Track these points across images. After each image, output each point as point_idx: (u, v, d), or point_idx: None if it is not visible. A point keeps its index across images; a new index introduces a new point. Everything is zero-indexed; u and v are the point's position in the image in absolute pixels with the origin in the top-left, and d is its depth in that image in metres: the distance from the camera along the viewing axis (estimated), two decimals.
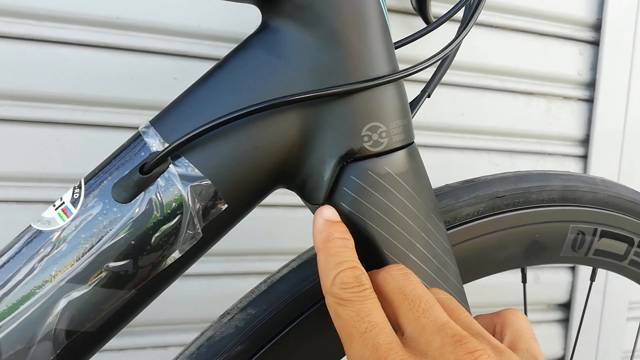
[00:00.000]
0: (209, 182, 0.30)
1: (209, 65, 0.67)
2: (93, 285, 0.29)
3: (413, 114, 0.42)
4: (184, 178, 0.30)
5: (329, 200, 0.32)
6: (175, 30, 0.65)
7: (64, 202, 0.30)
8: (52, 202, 0.62)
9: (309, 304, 0.34)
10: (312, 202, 0.33)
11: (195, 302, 0.72)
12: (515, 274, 0.88)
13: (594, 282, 0.53)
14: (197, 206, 0.30)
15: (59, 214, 0.30)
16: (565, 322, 0.95)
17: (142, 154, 0.30)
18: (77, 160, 0.63)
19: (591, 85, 0.90)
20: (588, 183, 0.45)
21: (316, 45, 0.31)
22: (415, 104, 0.43)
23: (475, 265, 0.41)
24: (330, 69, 0.31)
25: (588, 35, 0.88)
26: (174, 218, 0.30)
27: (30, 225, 0.30)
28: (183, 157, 0.30)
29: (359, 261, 0.29)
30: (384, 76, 0.31)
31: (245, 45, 0.32)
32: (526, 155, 0.88)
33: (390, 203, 0.32)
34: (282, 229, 0.74)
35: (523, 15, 0.83)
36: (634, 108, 0.90)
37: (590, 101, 0.90)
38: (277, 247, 0.75)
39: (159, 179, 0.30)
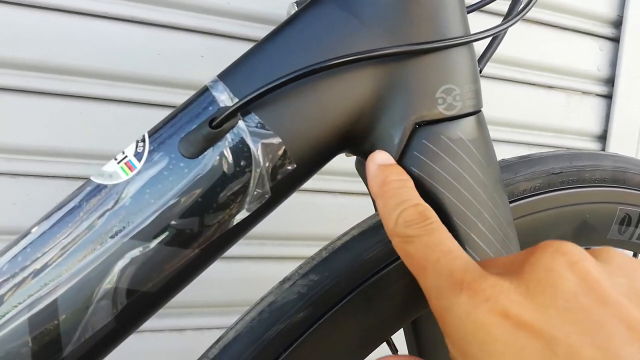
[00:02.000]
0: (280, 140, 0.29)
1: (236, 44, 0.66)
2: (157, 242, 0.28)
3: None
4: (254, 134, 0.29)
5: (399, 163, 0.31)
6: (204, 7, 0.64)
7: (126, 156, 0.29)
8: (73, 178, 0.61)
9: (370, 272, 0.32)
10: None
11: (214, 285, 0.71)
12: None
13: None
14: (267, 164, 0.29)
15: (121, 167, 0.29)
16: None
17: (210, 108, 0.29)
18: (100, 136, 0.62)
19: (610, 81, 0.90)
20: (637, 165, 0.44)
21: (391, 2, 0.30)
22: None
23: (530, 242, 0.40)
24: (405, 27, 0.30)
25: (608, 31, 0.88)
26: (243, 175, 0.29)
27: (90, 179, 0.29)
28: (253, 113, 0.29)
29: (421, 198, 0.28)
30: (461, 37, 0.30)
31: (317, 1, 0.31)
32: (544, 148, 0.88)
33: (461, 169, 0.31)
34: (305, 214, 0.73)
35: (545, 8, 0.83)
36: None
37: (609, 97, 0.90)
38: (298, 232, 0.73)
39: (227, 135, 0.28)
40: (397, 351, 0.43)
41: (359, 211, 0.74)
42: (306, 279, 0.32)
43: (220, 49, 0.66)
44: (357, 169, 0.38)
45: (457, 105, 0.30)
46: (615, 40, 0.89)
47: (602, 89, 0.90)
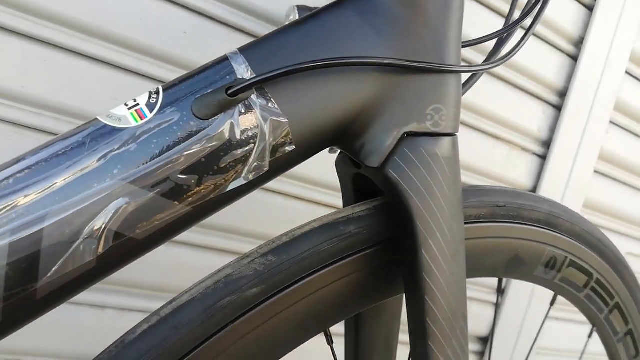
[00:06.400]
0: (286, 120, 0.31)
1: (219, 29, 0.67)
2: (154, 192, 0.29)
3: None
4: (265, 110, 0.30)
5: (382, 165, 0.34)
6: None
7: (138, 104, 0.30)
8: (24, 126, 0.59)
9: (323, 264, 0.35)
10: (367, 163, 0.34)
11: (144, 266, 0.69)
12: None
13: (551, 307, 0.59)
14: (271, 140, 0.31)
15: (132, 114, 0.29)
16: (481, 354, 1.01)
17: (228, 77, 0.31)
18: (60, 88, 0.60)
19: (547, 144, 0.99)
20: (569, 214, 0.50)
21: (406, 22, 0.33)
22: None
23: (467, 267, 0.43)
24: (413, 47, 0.33)
25: (553, 98, 0.98)
26: (247, 146, 0.30)
27: (97, 119, 0.29)
28: (267, 91, 0.31)
29: None
30: (457, 65, 0.34)
31: (340, 5, 0.34)
32: None
33: (432, 181, 0.34)
34: (253, 210, 0.74)
35: (505, 65, 0.91)
36: (578, 168, 1.00)
37: (543, 158, 1.00)
38: (242, 228, 0.74)
39: (239, 105, 0.30)
40: (332, 342, 0.45)
41: (307, 216, 0.77)
42: (264, 259, 0.33)
43: (203, 29, 0.66)
44: (337, 165, 0.40)
45: (442, 124, 0.34)
46: (558, 108, 0.99)
47: (539, 149, 0.99)
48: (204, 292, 0.32)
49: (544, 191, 0.98)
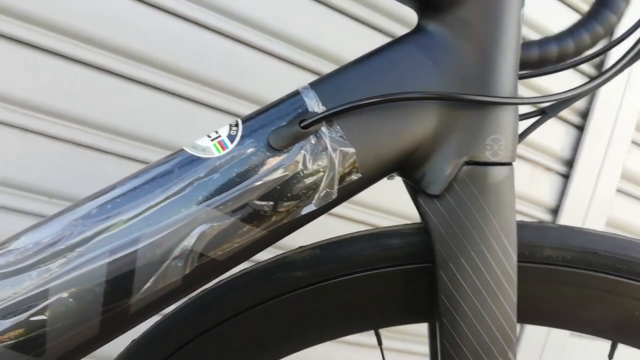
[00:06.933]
0: (354, 150, 0.33)
1: (260, 57, 0.71)
2: (235, 217, 0.31)
3: (529, 132, 0.47)
4: (334, 141, 0.33)
5: (443, 194, 0.36)
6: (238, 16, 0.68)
7: (220, 136, 0.32)
8: (80, 145, 0.62)
9: (364, 267, 0.39)
10: (428, 191, 0.36)
11: None
12: None
13: None
14: (339, 169, 0.33)
15: (214, 145, 0.32)
16: None
17: (300, 110, 0.33)
18: (118, 113, 0.63)
19: (569, 163, 1.01)
20: None
21: (465, 56, 0.35)
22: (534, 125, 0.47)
23: (547, 310, 0.41)
24: (472, 80, 0.35)
25: (575, 119, 1.00)
26: (317, 174, 0.33)
27: (183, 149, 0.32)
28: (336, 123, 0.33)
29: None
30: (515, 97, 0.36)
31: (401, 41, 0.36)
32: None
33: (457, 206, 0.36)
34: None
35: (527, 87, 0.94)
36: (601, 187, 1.02)
37: (566, 177, 1.01)
38: None
39: (311, 136, 0.33)
40: (381, 343, 0.47)
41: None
42: (313, 251, 0.39)
43: (244, 57, 0.69)
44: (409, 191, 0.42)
45: (500, 153, 0.36)
46: (580, 128, 1.00)
47: (562, 169, 1.00)
48: (264, 265, 0.39)
49: (567, 210, 1.00)
